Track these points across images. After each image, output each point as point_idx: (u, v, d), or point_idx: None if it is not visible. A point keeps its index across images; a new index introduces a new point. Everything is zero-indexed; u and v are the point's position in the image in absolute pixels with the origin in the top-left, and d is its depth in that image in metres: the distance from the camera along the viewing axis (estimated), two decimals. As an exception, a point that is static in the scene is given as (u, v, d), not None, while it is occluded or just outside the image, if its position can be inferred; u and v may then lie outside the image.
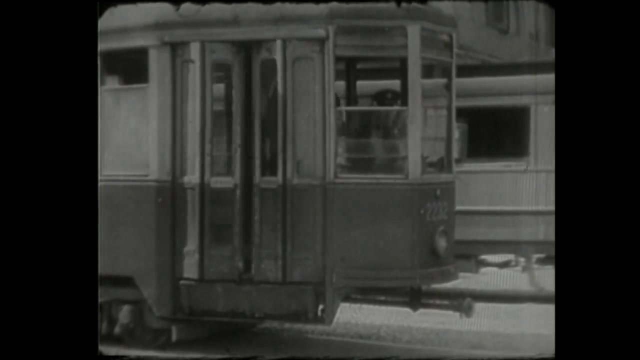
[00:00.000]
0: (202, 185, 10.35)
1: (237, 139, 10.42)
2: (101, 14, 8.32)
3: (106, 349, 9.88)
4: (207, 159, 10.35)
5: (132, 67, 11.30)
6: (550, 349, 7.79)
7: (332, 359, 9.00)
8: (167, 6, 10.37)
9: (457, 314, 10.63)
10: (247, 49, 10.38)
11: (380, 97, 10.81)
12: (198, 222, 10.35)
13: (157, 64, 10.48)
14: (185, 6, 10.35)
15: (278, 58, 10.04)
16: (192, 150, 10.41)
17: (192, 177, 10.39)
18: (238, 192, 10.36)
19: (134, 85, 10.88)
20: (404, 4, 10.00)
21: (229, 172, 10.42)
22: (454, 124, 10.84)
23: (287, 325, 11.64)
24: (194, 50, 10.35)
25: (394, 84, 10.79)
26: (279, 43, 10.02)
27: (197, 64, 10.35)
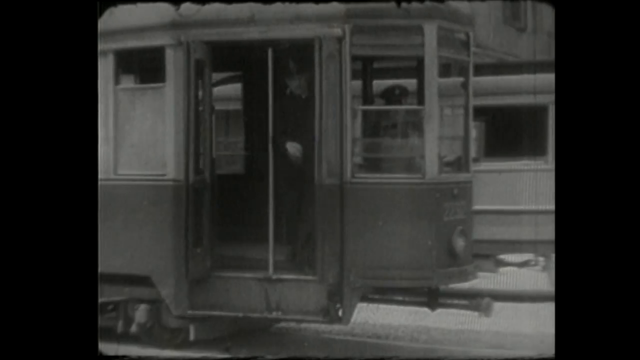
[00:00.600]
0: (187, 183, 10.40)
1: (207, 138, 10.54)
2: (101, 14, 8.29)
3: (122, 349, 9.94)
4: (191, 158, 10.39)
5: (148, 66, 11.34)
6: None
7: (332, 359, 8.98)
8: (185, 5, 10.37)
9: (476, 313, 10.59)
10: (261, 48, 10.40)
11: (388, 94, 10.78)
12: (183, 221, 10.41)
13: (174, 63, 10.48)
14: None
15: (316, 56, 9.97)
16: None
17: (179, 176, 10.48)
18: (209, 190, 10.49)
19: (151, 85, 10.90)
20: (425, 3, 9.97)
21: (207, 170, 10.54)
22: (472, 123, 10.80)
23: (304, 325, 11.63)
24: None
25: (411, 83, 10.75)
26: (316, 41, 9.95)
27: (182, 63, 10.39)
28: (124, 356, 8.51)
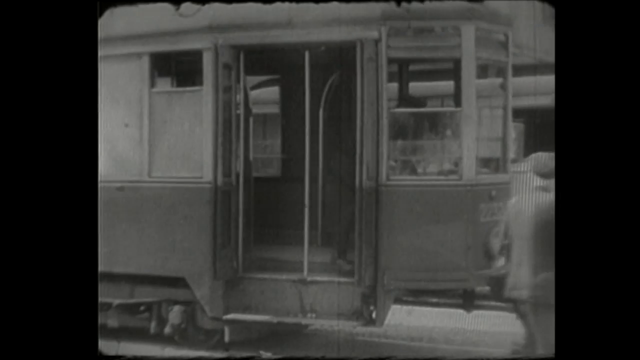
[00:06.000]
0: (216, 186, 10.47)
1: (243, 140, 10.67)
2: (101, 14, 8.30)
3: (155, 349, 10.01)
4: (219, 161, 10.45)
5: (183, 69, 11.40)
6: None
7: (328, 358, 8.99)
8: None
9: (513, 315, 10.52)
10: (298, 51, 10.42)
11: None
12: (211, 223, 10.47)
13: (212, 67, 10.51)
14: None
15: (357, 59, 9.98)
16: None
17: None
18: (236, 192, 10.60)
19: (188, 88, 10.95)
20: (462, 3, 9.94)
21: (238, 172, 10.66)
22: (511, 123, 10.73)
23: (338, 327, 11.62)
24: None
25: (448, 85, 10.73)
26: (358, 44, 9.96)
27: (210, 67, 10.44)
28: (122, 356, 8.54)
